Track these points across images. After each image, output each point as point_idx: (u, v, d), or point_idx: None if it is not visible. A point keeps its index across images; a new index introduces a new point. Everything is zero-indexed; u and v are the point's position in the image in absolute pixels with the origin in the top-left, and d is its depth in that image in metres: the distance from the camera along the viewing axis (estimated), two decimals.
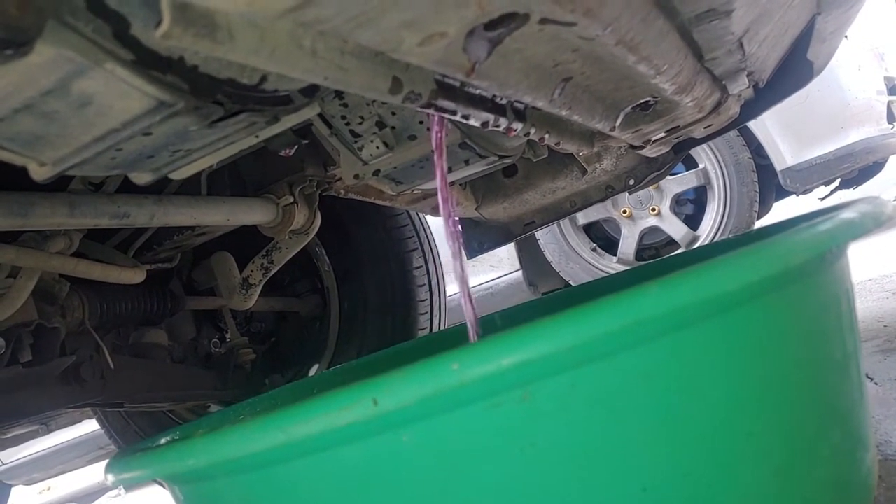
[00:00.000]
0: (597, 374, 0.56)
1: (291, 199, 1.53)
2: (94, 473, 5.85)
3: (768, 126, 3.59)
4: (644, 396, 0.57)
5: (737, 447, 0.61)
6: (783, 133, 3.59)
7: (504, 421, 0.56)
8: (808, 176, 3.56)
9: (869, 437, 0.78)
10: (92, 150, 0.63)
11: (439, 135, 0.79)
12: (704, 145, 3.68)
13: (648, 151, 1.42)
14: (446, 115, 0.81)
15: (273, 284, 2.12)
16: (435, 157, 0.76)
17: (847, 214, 0.66)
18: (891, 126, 3.85)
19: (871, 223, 0.67)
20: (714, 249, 1.32)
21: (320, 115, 1.08)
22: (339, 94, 1.04)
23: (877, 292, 2.16)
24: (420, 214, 2.29)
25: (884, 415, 1.07)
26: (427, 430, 0.56)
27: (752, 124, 3.61)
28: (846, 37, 3.75)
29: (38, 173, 0.65)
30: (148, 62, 0.56)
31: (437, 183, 0.74)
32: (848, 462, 0.72)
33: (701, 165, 3.77)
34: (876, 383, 1.24)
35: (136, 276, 1.60)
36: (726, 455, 0.61)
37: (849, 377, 0.72)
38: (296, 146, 1.02)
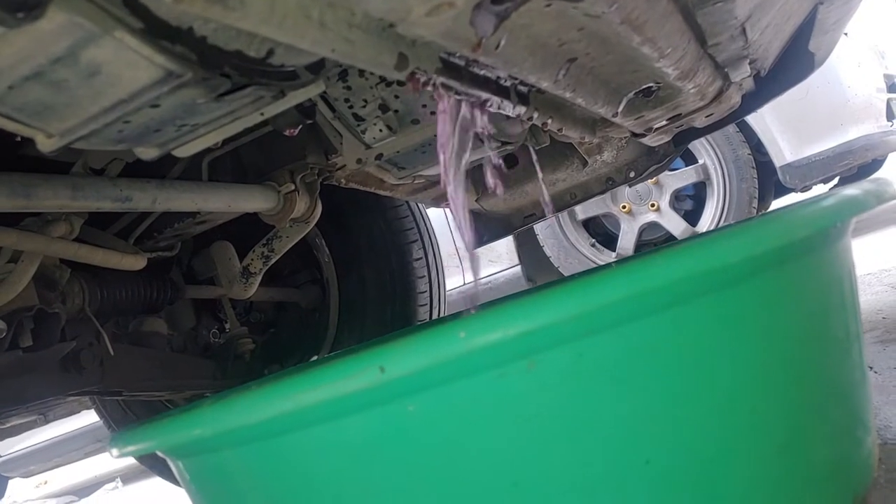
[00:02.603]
0: (603, 345, 0.56)
1: (292, 187, 1.53)
2: (91, 466, 5.85)
3: (768, 122, 3.59)
4: (649, 368, 0.57)
5: (740, 422, 0.61)
6: (783, 129, 3.59)
7: (510, 391, 0.56)
8: (808, 172, 3.56)
9: (869, 420, 0.78)
10: (100, 121, 0.64)
11: (445, 112, 0.79)
12: (704, 141, 3.68)
13: (650, 140, 1.42)
14: (451, 95, 0.81)
15: (273, 275, 2.12)
16: (438, 127, 0.76)
17: (850, 191, 0.67)
18: (890, 124, 3.85)
19: (873, 200, 0.68)
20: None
21: (324, 99, 1.09)
22: (342, 78, 1.04)
23: (876, 286, 2.17)
24: (420, 206, 2.29)
25: (883, 401, 1.07)
26: (433, 399, 0.56)
27: (752, 120, 3.60)
28: (846, 34, 3.75)
29: (46, 145, 0.65)
30: (157, 31, 0.56)
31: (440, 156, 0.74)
32: (849, 441, 0.72)
33: (700, 161, 3.77)
34: (876, 372, 1.25)
35: (136, 262, 1.60)
36: (730, 430, 0.61)
37: (850, 357, 0.73)
38: (300, 126, 1.02)
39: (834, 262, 0.70)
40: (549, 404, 0.56)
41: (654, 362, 0.57)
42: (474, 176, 2.08)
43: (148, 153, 0.75)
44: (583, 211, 4.03)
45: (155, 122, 0.68)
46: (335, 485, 0.60)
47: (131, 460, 3.71)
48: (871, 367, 1.29)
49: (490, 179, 0.82)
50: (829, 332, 0.70)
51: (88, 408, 2.78)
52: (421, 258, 2.28)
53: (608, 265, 1.50)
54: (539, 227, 4.06)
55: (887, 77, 3.98)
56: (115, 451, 0.70)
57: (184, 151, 0.79)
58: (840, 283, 0.72)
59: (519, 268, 4.27)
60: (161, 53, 0.57)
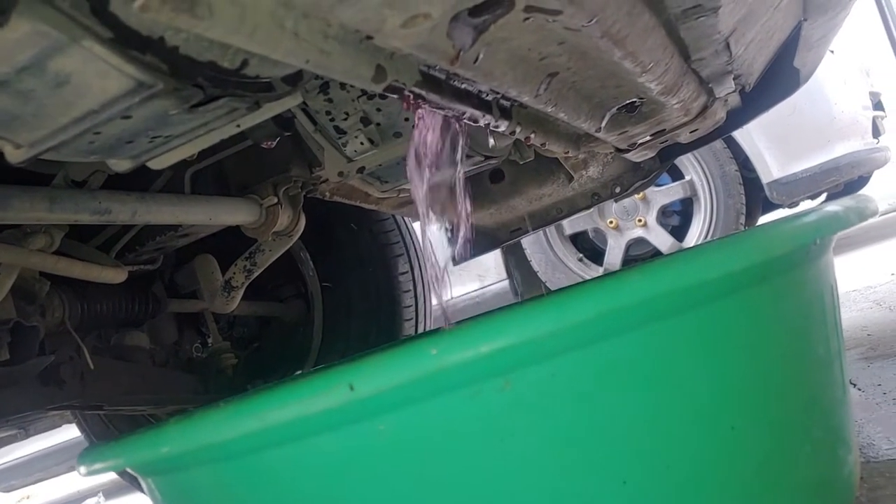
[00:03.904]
0: (578, 364, 0.55)
1: (275, 200, 1.52)
2: (74, 481, 5.80)
3: (755, 139, 3.61)
4: (626, 387, 0.56)
5: (719, 441, 0.60)
6: (770, 146, 3.61)
7: (484, 410, 0.55)
8: (795, 189, 3.57)
9: (851, 438, 0.77)
10: (70, 132, 0.62)
11: (423, 129, 0.78)
12: (691, 157, 3.69)
13: (634, 156, 1.42)
14: (432, 109, 0.81)
15: (257, 289, 2.11)
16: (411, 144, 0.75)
17: (831, 208, 0.66)
18: (876, 141, 3.87)
19: (854, 217, 0.67)
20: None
21: (305, 111, 1.08)
22: (323, 90, 1.03)
23: (861, 302, 2.17)
24: (406, 220, 2.28)
25: (867, 419, 1.06)
26: (405, 418, 0.55)
27: (740, 137, 3.62)
28: (832, 51, 3.78)
29: (14, 156, 0.64)
30: (127, 41, 0.55)
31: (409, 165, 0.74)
32: (830, 460, 0.72)
33: (687, 177, 3.78)
34: (859, 389, 1.24)
35: (117, 275, 1.58)
36: (708, 449, 0.60)
37: (832, 375, 0.72)
38: (277, 138, 1.01)
39: (815, 278, 0.69)
40: (523, 424, 0.55)
41: (631, 380, 0.56)
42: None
43: (121, 165, 0.73)
44: (570, 226, 4.04)
45: (127, 133, 0.67)
46: None
47: (114, 475, 3.68)
48: (854, 385, 1.28)
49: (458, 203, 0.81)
50: (810, 350, 0.69)
51: (70, 422, 2.75)
52: (407, 272, 2.26)
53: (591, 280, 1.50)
54: (527, 242, 4.06)
55: (872, 94, 4.01)
56: (82, 469, 0.68)
57: (159, 163, 0.77)
58: (821, 299, 0.71)
59: (507, 282, 4.26)
60: (131, 63, 0.56)
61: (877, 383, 1.25)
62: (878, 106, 4.14)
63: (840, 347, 0.76)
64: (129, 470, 0.71)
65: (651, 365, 0.57)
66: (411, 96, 0.75)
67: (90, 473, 0.68)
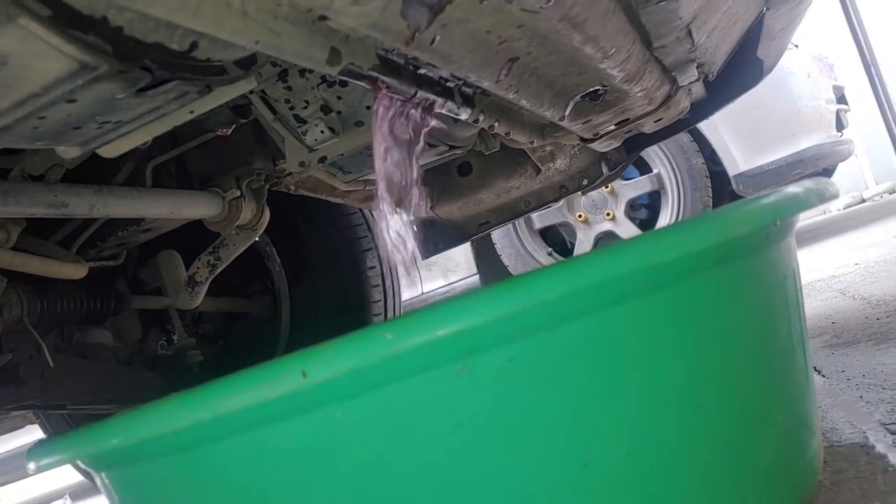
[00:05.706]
0: (536, 348, 0.54)
1: (238, 193, 1.49)
2: (40, 483, 5.73)
3: (721, 132, 3.64)
4: (584, 371, 0.56)
5: (681, 425, 0.60)
6: (736, 139, 3.64)
7: (441, 395, 0.54)
8: (761, 181, 3.61)
9: (814, 422, 0.77)
10: (11, 116, 0.60)
11: (382, 112, 0.77)
12: (658, 150, 3.71)
13: (599, 146, 1.42)
14: (391, 94, 0.79)
15: (223, 285, 2.08)
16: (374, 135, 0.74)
17: (791, 189, 0.66)
18: (840, 134, 3.92)
19: (814, 199, 0.67)
20: None
21: (264, 100, 1.06)
22: (282, 77, 1.01)
23: (826, 292, 2.19)
24: (375, 214, 2.26)
25: (830, 404, 1.07)
26: (361, 405, 0.53)
27: (706, 131, 3.64)
28: (796, 46, 3.81)
29: None
30: (67, 20, 0.53)
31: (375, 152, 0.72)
32: (794, 444, 0.71)
33: (655, 171, 3.80)
34: (823, 376, 1.25)
35: (77, 271, 1.55)
36: (670, 433, 0.59)
37: (795, 358, 0.72)
38: (233, 125, 0.99)
39: (776, 261, 0.69)
40: (482, 409, 0.54)
41: (590, 364, 0.55)
42: (428, 183, 2.06)
43: (70, 152, 0.71)
44: (540, 220, 4.05)
45: (73, 118, 0.65)
46: (262, 499, 0.57)
47: (80, 477, 3.62)
48: (819, 371, 1.29)
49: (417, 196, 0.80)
50: (774, 332, 0.68)
51: (33, 423, 2.70)
52: (375, 266, 2.25)
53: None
54: (497, 237, 4.06)
55: (836, 88, 4.06)
56: (32, 465, 0.66)
57: (109, 151, 0.75)
58: (783, 283, 0.71)
59: (477, 277, 4.26)
60: (72, 44, 0.54)
61: (840, 370, 1.25)
62: (841, 100, 4.19)
63: (802, 332, 0.75)
64: (80, 465, 0.69)
65: (610, 349, 0.56)
66: (373, 81, 0.74)
67: (39, 469, 0.66)
